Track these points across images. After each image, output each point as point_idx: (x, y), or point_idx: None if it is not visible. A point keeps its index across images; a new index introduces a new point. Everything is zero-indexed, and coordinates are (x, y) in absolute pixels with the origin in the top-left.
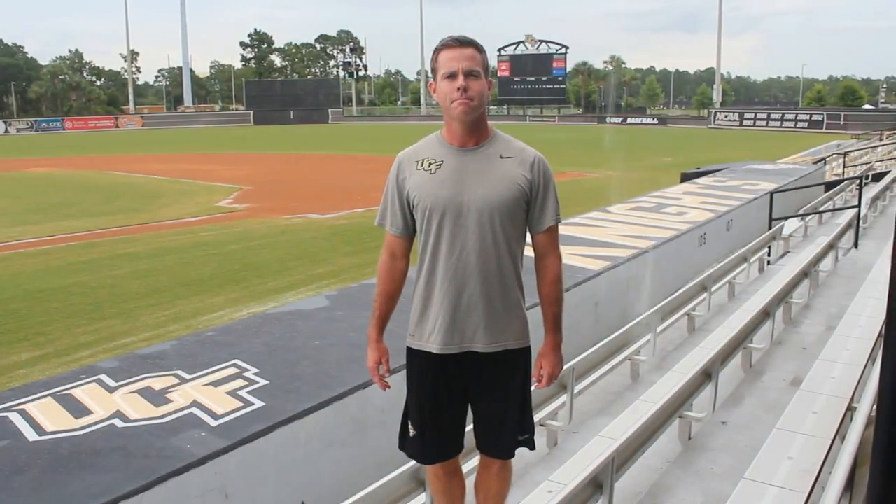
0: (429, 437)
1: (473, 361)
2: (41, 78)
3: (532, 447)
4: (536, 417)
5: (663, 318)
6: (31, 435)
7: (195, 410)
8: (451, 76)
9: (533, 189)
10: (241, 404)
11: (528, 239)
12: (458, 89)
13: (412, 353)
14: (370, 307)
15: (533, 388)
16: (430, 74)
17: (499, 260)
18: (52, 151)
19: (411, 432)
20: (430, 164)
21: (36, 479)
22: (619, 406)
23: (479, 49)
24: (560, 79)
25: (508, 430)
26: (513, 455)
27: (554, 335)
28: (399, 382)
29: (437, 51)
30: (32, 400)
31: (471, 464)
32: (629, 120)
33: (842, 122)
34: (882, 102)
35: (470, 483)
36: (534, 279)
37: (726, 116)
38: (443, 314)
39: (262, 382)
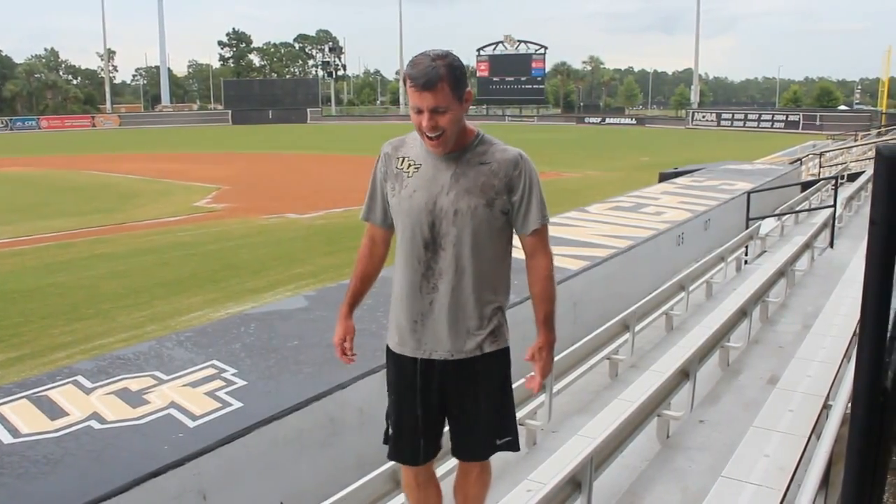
0: (400, 437)
1: (445, 366)
2: (16, 76)
3: (516, 449)
4: (516, 417)
5: (641, 317)
6: (6, 437)
7: (173, 411)
8: (418, 112)
9: (513, 194)
10: (219, 405)
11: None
12: (425, 126)
13: (388, 352)
14: None
15: (516, 385)
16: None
17: (471, 268)
18: (28, 151)
19: (389, 430)
20: (410, 165)
21: (11, 482)
22: (598, 405)
23: (447, 77)
24: (539, 79)
25: (482, 434)
26: (487, 456)
27: (546, 334)
28: (380, 383)
29: (405, 76)
30: (8, 402)
31: (449, 465)
32: (608, 120)
33: (817, 123)
34: (857, 103)
35: (448, 484)
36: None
37: (704, 117)
38: (411, 320)
39: (241, 383)
